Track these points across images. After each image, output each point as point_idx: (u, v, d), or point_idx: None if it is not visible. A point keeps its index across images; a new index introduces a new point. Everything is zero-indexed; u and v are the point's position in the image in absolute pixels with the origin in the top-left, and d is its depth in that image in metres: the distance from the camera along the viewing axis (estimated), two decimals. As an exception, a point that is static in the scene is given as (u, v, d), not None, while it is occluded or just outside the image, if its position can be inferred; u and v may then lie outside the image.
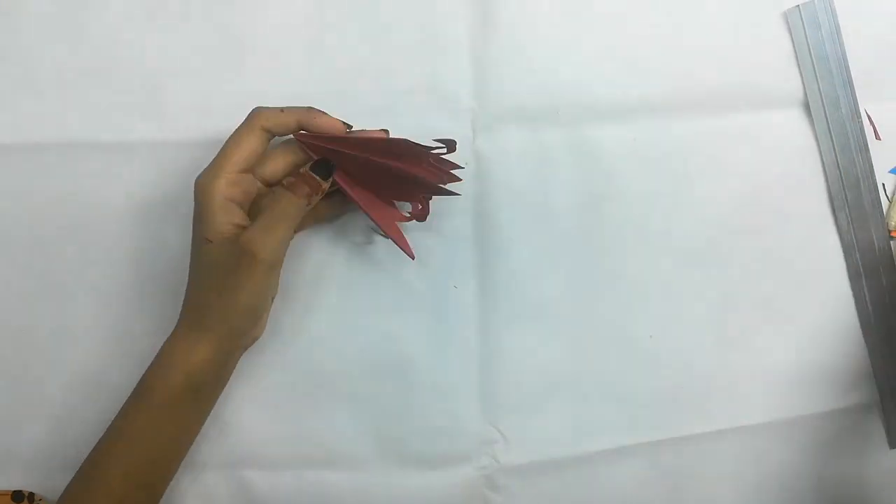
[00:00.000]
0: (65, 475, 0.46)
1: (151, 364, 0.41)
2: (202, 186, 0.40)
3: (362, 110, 0.48)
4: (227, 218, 0.39)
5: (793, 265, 0.51)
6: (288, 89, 0.48)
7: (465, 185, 0.48)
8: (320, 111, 0.42)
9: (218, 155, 0.41)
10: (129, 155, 0.47)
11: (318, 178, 0.41)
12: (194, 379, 0.40)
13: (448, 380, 0.48)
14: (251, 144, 0.40)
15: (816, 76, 0.50)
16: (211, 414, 0.43)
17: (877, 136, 0.51)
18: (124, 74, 0.48)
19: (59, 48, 0.48)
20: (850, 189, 0.51)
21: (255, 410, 0.45)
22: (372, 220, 0.44)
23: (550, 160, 0.49)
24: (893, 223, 0.51)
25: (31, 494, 0.46)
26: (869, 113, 0.51)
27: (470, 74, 0.49)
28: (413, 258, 0.44)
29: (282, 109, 0.41)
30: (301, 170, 0.41)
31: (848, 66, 0.50)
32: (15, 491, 0.46)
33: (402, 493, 0.48)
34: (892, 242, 0.51)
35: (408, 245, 0.45)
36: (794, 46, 0.51)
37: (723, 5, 0.50)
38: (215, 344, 0.40)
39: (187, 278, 0.41)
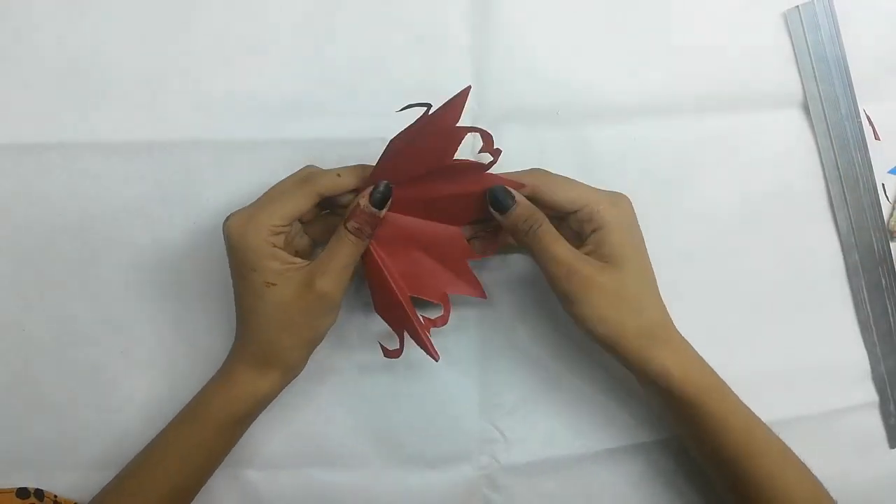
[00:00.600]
0: (66, 475, 0.47)
1: (209, 392, 0.42)
2: (242, 237, 0.40)
3: (362, 110, 0.48)
4: (279, 260, 0.40)
5: (792, 265, 0.51)
6: (288, 90, 0.48)
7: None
8: (371, 167, 0.41)
9: (261, 205, 0.40)
10: (129, 155, 0.47)
11: (376, 211, 0.40)
12: (255, 409, 0.42)
13: (448, 379, 0.48)
14: (300, 206, 0.40)
15: (816, 76, 0.50)
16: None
17: (876, 137, 0.51)
18: (124, 74, 0.48)
19: (59, 48, 0.47)
20: (849, 189, 0.51)
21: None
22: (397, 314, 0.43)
23: (550, 160, 0.49)
24: (893, 223, 0.51)
25: (39, 491, 0.46)
26: (868, 113, 0.51)
27: (470, 74, 0.49)
28: (437, 359, 0.43)
29: (338, 174, 0.41)
30: (362, 204, 0.40)
31: (847, 67, 0.50)
32: (19, 488, 0.46)
33: (402, 493, 0.48)
34: (892, 243, 0.51)
35: (431, 344, 0.43)
36: (793, 47, 0.51)
37: (723, 5, 0.50)
38: (280, 378, 0.42)
39: (241, 314, 0.41)
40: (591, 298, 0.40)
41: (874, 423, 0.51)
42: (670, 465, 0.49)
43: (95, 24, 0.48)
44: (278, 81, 0.48)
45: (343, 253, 0.40)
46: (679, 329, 0.43)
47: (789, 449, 0.43)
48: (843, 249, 0.51)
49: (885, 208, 0.51)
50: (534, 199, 0.41)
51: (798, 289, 0.51)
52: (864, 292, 0.51)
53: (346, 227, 0.40)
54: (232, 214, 0.41)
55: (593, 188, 0.42)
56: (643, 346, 0.41)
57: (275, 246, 0.40)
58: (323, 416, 0.48)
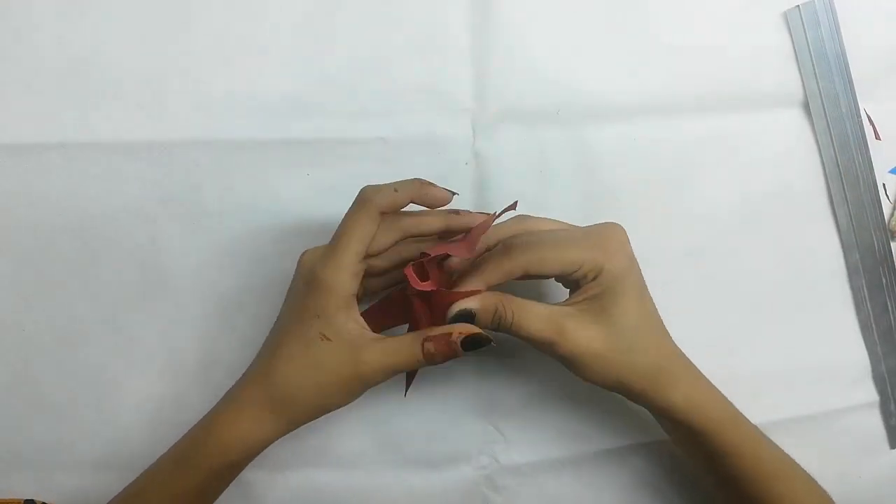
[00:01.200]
0: (66, 475, 0.47)
1: (211, 435, 0.40)
2: (323, 278, 0.38)
3: (362, 110, 0.48)
4: (351, 317, 0.39)
5: (792, 265, 0.51)
6: (288, 90, 0.48)
7: (464, 186, 0.48)
8: (429, 183, 0.40)
9: (337, 242, 0.38)
10: (129, 155, 0.47)
11: (461, 352, 0.38)
12: (254, 454, 0.41)
13: (448, 379, 0.48)
14: (370, 230, 0.38)
15: (816, 76, 0.50)
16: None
17: (876, 136, 0.51)
18: (124, 74, 0.48)
19: (59, 48, 0.47)
20: (849, 188, 0.51)
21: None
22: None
23: (550, 160, 0.49)
24: (894, 223, 0.51)
25: None
26: (868, 113, 0.51)
27: (470, 74, 0.49)
28: (404, 395, 0.43)
29: (395, 189, 0.38)
30: (453, 337, 0.38)
31: (848, 66, 0.50)
32: (27, 500, 0.46)
33: (402, 493, 0.48)
34: (892, 242, 0.51)
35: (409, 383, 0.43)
36: (794, 46, 0.51)
37: (723, 5, 0.50)
38: (290, 428, 0.41)
39: (270, 357, 0.40)
40: (585, 359, 0.39)
41: (874, 423, 0.51)
42: (670, 464, 0.49)
43: (95, 24, 0.48)
44: (278, 81, 0.48)
45: (405, 362, 0.39)
46: (679, 329, 0.42)
47: (799, 466, 0.43)
48: (843, 249, 0.51)
49: (886, 208, 0.51)
50: (528, 276, 0.40)
51: (798, 289, 0.51)
52: (865, 292, 0.51)
53: (423, 345, 0.38)
54: (308, 250, 0.40)
55: (580, 238, 0.40)
56: (647, 386, 0.40)
57: (353, 295, 0.38)
58: (323, 416, 0.48)
